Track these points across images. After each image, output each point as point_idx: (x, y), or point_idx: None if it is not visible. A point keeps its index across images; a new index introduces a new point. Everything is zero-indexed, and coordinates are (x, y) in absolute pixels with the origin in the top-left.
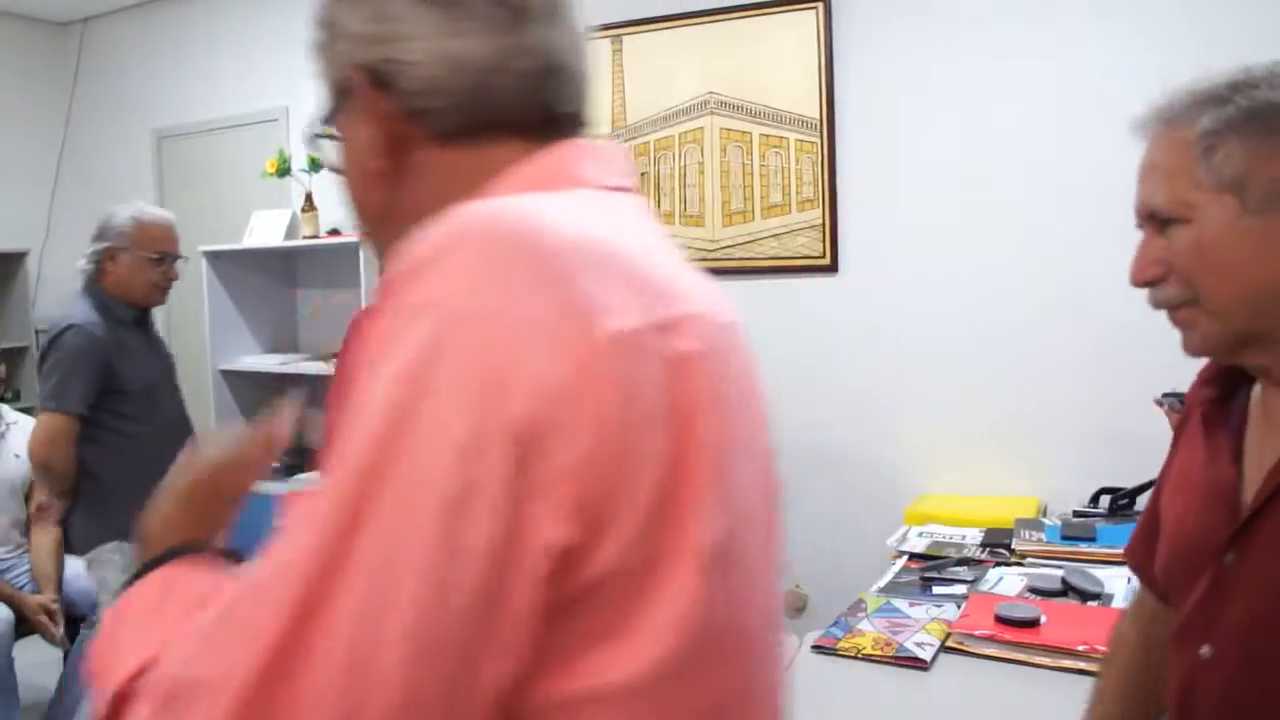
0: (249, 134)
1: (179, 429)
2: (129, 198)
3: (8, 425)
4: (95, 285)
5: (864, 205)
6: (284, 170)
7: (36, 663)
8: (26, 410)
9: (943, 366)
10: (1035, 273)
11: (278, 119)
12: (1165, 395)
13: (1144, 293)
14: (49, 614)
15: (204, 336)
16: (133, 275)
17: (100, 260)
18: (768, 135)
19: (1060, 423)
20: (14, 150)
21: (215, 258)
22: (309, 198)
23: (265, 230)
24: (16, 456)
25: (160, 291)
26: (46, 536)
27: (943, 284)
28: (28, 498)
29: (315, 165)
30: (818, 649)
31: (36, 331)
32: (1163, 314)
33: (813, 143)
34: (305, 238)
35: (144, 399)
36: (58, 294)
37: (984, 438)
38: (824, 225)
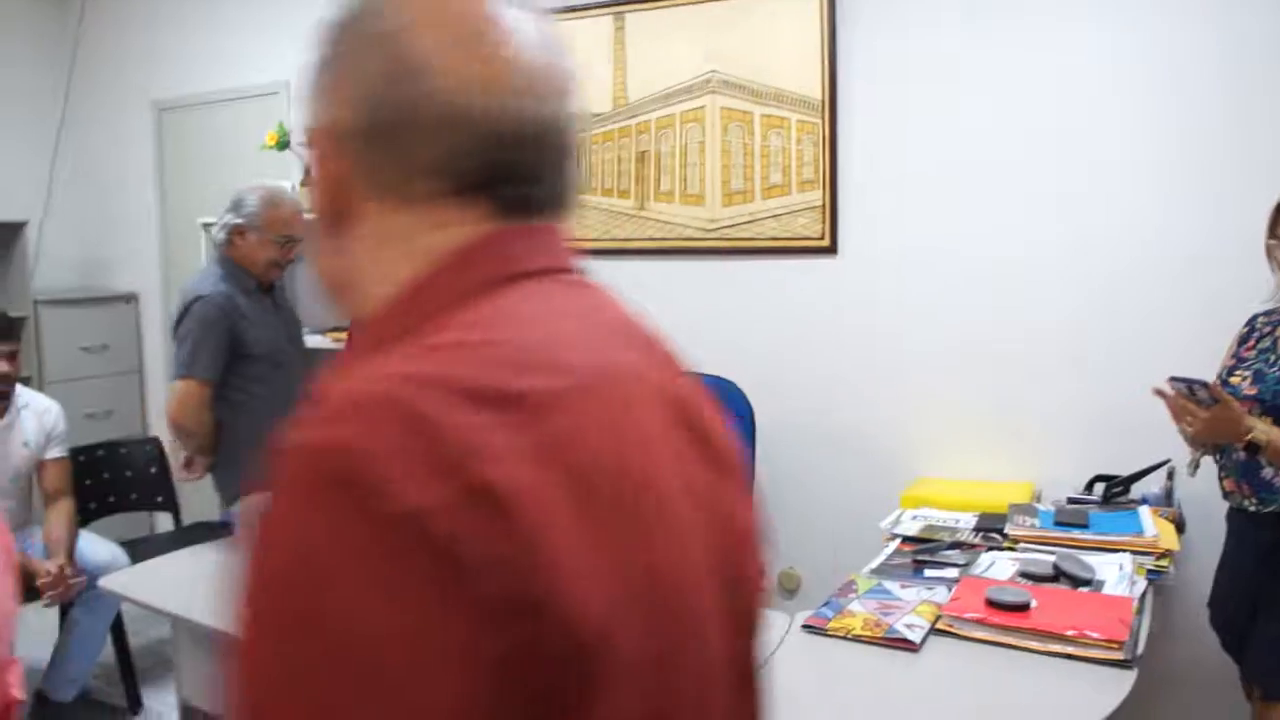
0: (249, 107)
1: (292, 393)
2: (129, 169)
3: (19, 410)
4: (224, 255)
5: (864, 187)
6: (284, 143)
7: (31, 631)
8: (24, 380)
9: (941, 350)
10: (1034, 258)
11: (278, 92)
12: (1176, 379)
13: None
14: (56, 576)
15: None
16: (257, 252)
17: (230, 233)
18: (769, 115)
19: (1057, 410)
20: (14, 121)
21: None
22: (308, 171)
23: None
24: (25, 445)
25: (279, 269)
26: (60, 511)
27: (942, 267)
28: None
29: None
30: (808, 628)
31: (35, 302)
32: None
33: (814, 123)
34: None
35: (268, 363)
36: (57, 264)
37: (981, 423)
38: (824, 206)
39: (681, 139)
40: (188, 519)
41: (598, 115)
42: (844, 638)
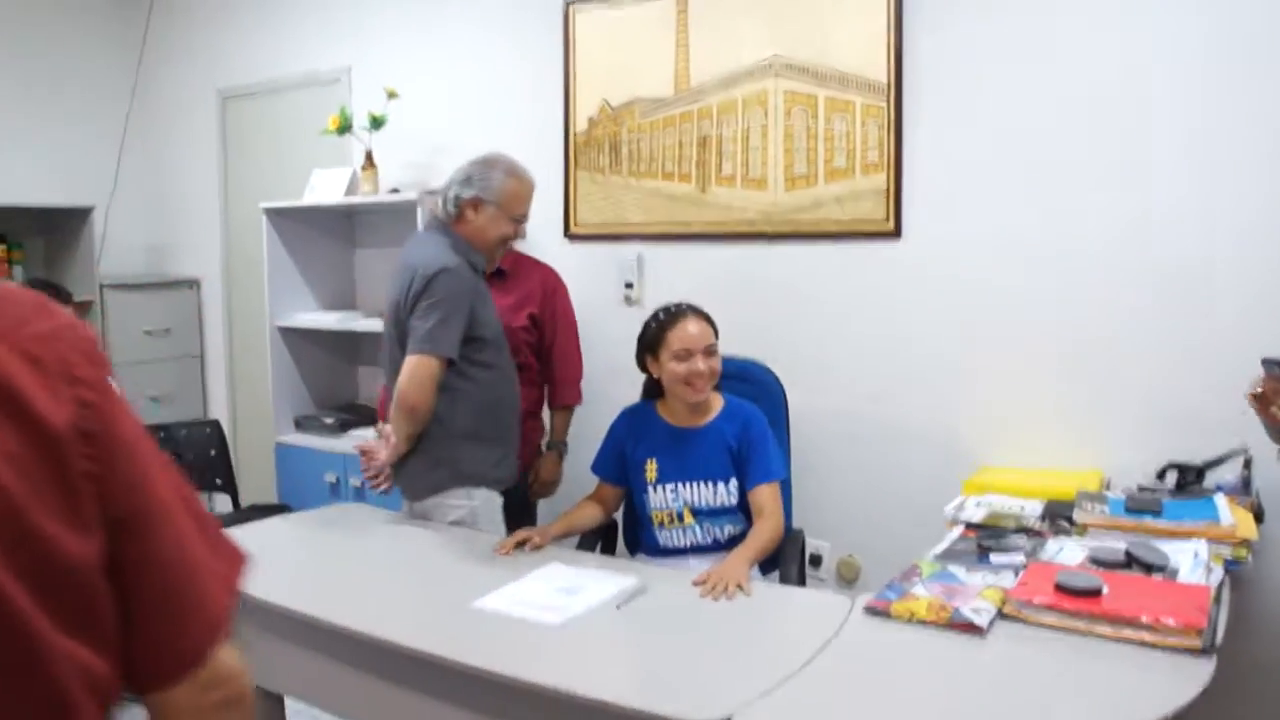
0: (311, 93)
1: (513, 375)
2: (193, 156)
3: None
4: (448, 229)
5: (930, 171)
6: (345, 128)
7: None
8: None
9: (1007, 336)
10: (1106, 244)
11: (340, 79)
12: (1269, 360)
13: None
14: None
15: (263, 293)
16: (489, 229)
17: (461, 206)
18: (833, 98)
19: (1127, 397)
20: (83, 108)
21: (276, 215)
22: (369, 156)
23: (325, 188)
24: None
25: (504, 249)
26: None
27: (1008, 252)
28: None
29: (377, 123)
30: (870, 610)
31: (101, 286)
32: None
33: (879, 107)
34: (365, 195)
35: (495, 346)
36: (123, 250)
37: (1047, 411)
38: (888, 191)
39: (744, 123)
40: (246, 501)
41: (659, 100)
42: (908, 621)
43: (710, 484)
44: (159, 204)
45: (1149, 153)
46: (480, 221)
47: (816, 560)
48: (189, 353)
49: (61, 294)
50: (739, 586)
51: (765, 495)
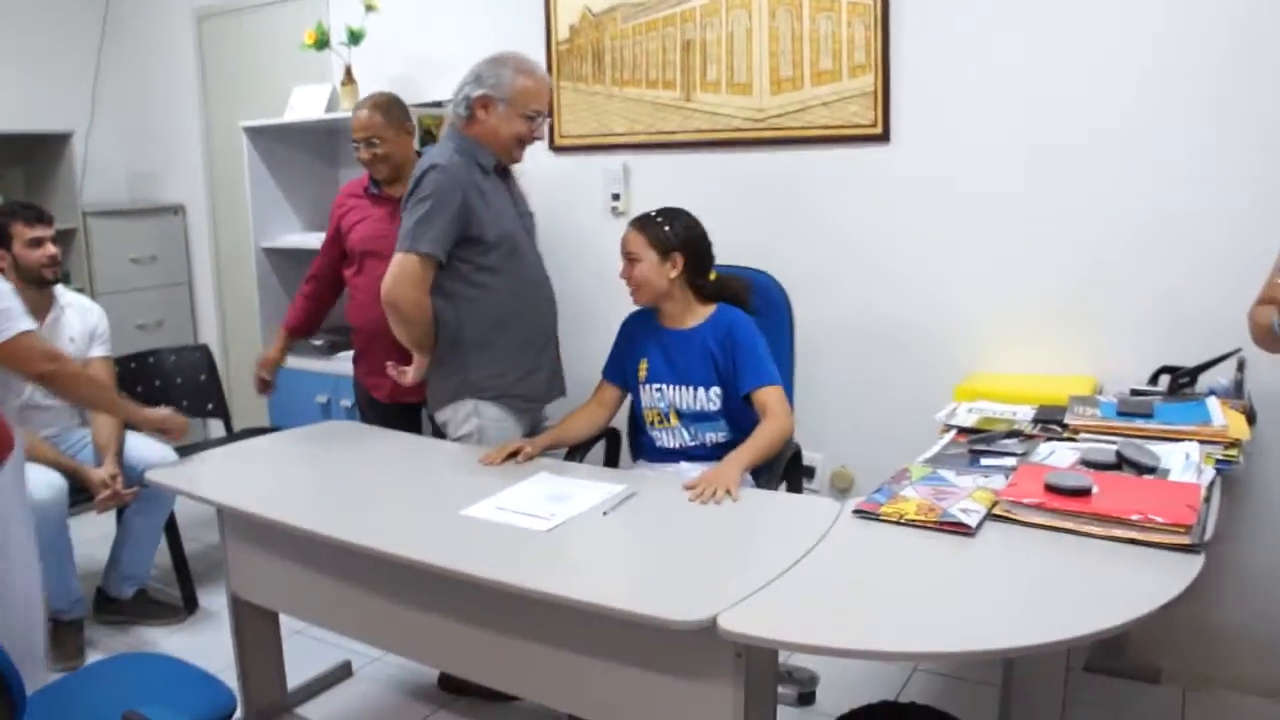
0: (289, 9)
1: (537, 286)
2: (171, 78)
3: (62, 308)
4: (459, 131)
5: (919, 71)
6: (323, 42)
7: (89, 538)
8: (76, 290)
9: (998, 241)
10: (1098, 145)
11: None
12: None
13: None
14: (110, 487)
15: (246, 214)
16: (502, 127)
17: (472, 106)
18: None
19: (1120, 301)
20: (57, 32)
21: (257, 134)
22: (348, 71)
23: (305, 106)
24: (71, 340)
25: (522, 147)
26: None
27: (1000, 155)
28: None
29: (355, 38)
30: (859, 513)
31: (84, 214)
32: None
33: (866, 5)
34: (345, 111)
35: (500, 251)
36: (105, 176)
37: (1040, 316)
38: (876, 93)
39: (728, 26)
40: (239, 425)
41: (641, 4)
42: (897, 522)
43: (691, 389)
44: (139, 129)
45: (1145, 52)
46: (492, 121)
47: (810, 472)
48: (176, 279)
49: (44, 216)
50: (728, 492)
51: (768, 397)
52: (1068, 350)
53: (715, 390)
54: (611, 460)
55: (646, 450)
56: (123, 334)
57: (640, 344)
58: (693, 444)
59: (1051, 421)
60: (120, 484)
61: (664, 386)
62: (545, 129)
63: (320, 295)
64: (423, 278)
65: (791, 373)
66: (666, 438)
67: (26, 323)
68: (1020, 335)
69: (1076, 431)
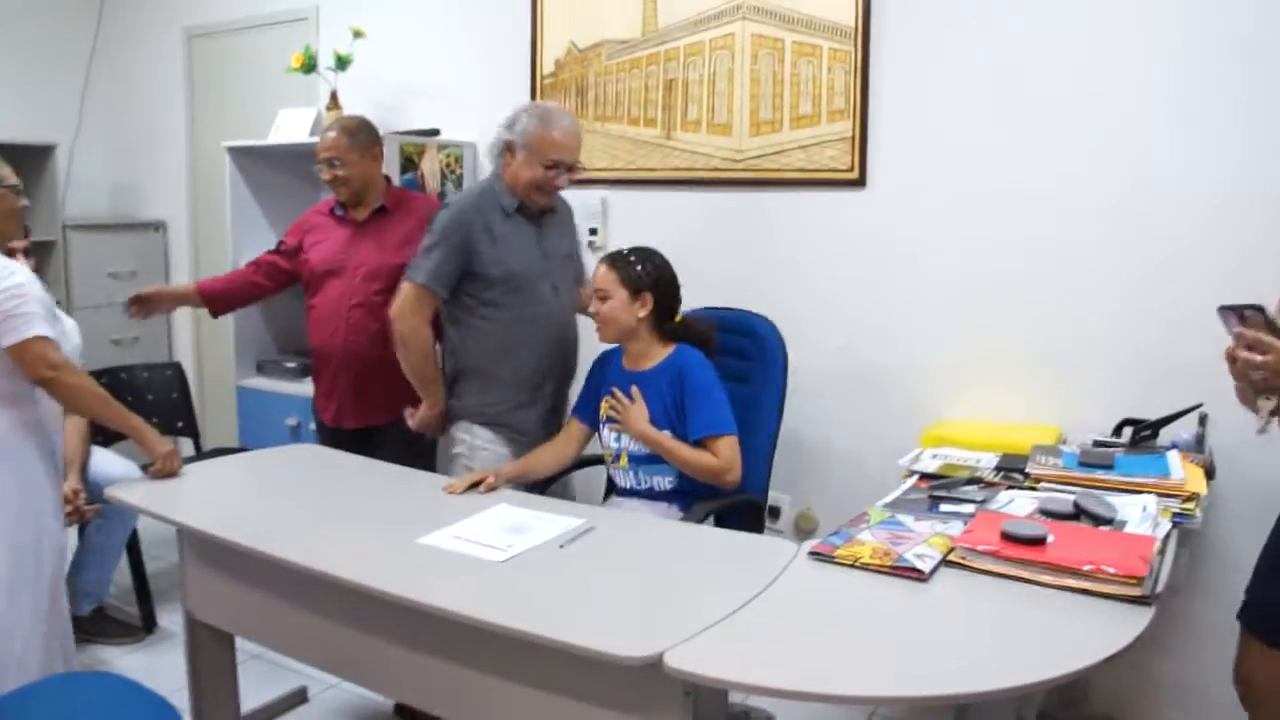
0: (279, 32)
1: (542, 323)
2: (159, 95)
3: None
4: (496, 172)
5: (896, 119)
6: (310, 66)
7: None
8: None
9: (969, 289)
10: (1068, 195)
11: (307, 17)
12: (1225, 308)
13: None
14: (72, 503)
15: (226, 234)
16: (521, 172)
17: (501, 150)
18: (800, 43)
19: (1087, 352)
20: (46, 45)
21: (240, 155)
22: (334, 96)
23: (290, 128)
24: None
25: (541, 194)
26: (75, 425)
27: (972, 204)
28: None
29: (342, 63)
30: (814, 555)
31: (64, 227)
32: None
33: (846, 51)
34: None
35: (506, 287)
36: (87, 190)
37: (1008, 364)
38: (854, 138)
39: (710, 67)
40: (208, 445)
41: (625, 42)
42: (851, 565)
43: None
44: (124, 143)
45: (1115, 104)
46: (514, 166)
47: (775, 512)
48: None
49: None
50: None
51: (718, 446)
52: (1035, 398)
53: (667, 434)
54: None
55: (614, 487)
56: (98, 349)
57: (604, 383)
58: (640, 487)
59: (1013, 470)
60: (83, 500)
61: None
62: (567, 179)
63: (248, 279)
64: (419, 306)
65: (779, 422)
66: (620, 477)
67: (44, 328)
68: (988, 382)
69: (1038, 480)
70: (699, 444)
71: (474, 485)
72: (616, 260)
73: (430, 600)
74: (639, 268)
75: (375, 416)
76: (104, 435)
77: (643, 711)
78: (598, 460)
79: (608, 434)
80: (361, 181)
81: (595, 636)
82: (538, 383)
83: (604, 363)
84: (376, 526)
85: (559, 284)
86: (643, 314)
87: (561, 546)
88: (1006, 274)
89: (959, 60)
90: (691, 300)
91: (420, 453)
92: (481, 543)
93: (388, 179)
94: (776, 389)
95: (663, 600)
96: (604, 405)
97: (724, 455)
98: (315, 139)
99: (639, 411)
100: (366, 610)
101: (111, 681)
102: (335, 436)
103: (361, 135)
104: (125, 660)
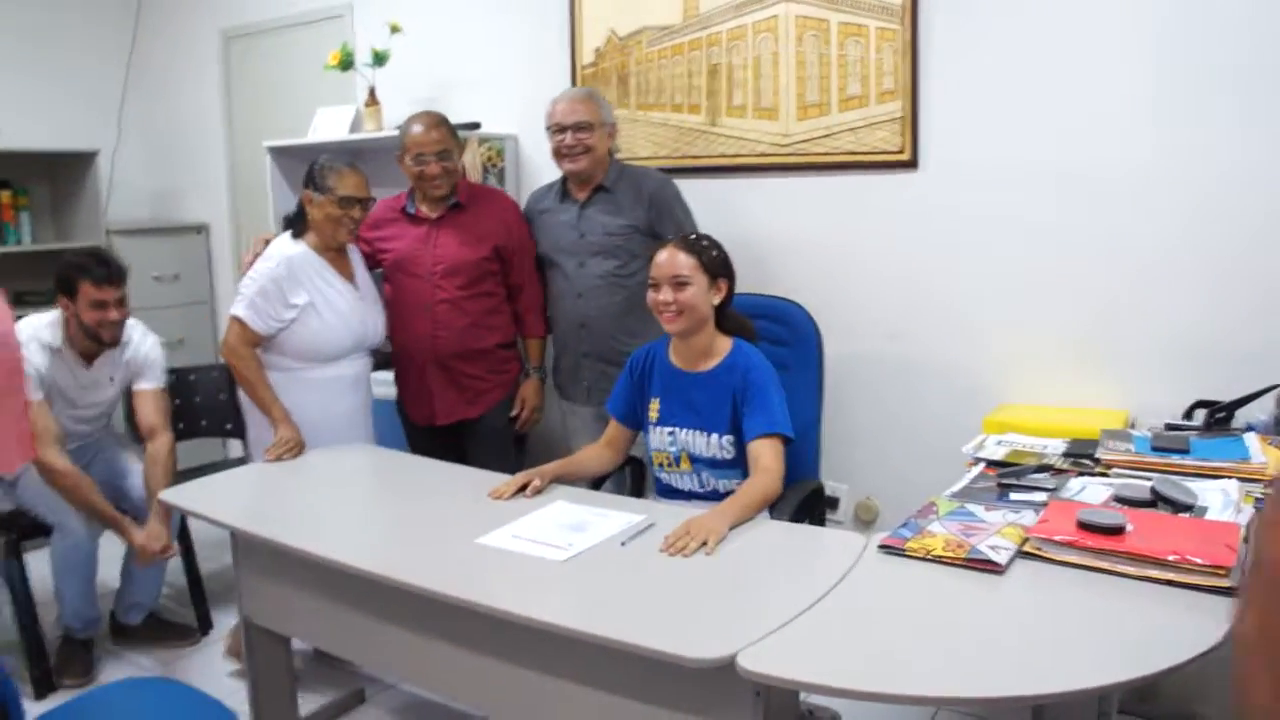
0: (315, 30)
1: (563, 298)
2: (197, 98)
3: (122, 344)
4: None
5: (948, 97)
6: (347, 64)
7: (111, 555)
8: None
9: (1028, 269)
10: (1131, 172)
11: (343, 15)
12: None
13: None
14: (151, 552)
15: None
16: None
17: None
18: (847, 23)
19: (1154, 333)
20: (86, 51)
21: (280, 154)
22: (372, 92)
23: (328, 126)
24: (110, 380)
25: (564, 160)
26: (158, 450)
27: (1031, 182)
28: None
29: (380, 59)
30: (884, 549)
31: (108, 232)
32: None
33: (894, 30)
34: (368, 133)
35: (545, 262)
36: (129, 195)
37: (1070, 346)
38: (904, 119)
39: (754, 50)
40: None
41: (666, 28)
42: (923, 559)
43: (705, 434)
44: (164, 147)
45: (1179, 77)
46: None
47: (834, 503)
48: (198, 299)
49: (113, 277)
50: (704, 544)
51: (762, 449)
52: (1099, 382)
53: (729, 438)
54: (636, 490)
55: (656, 486)
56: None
57: (652, 383)
58: (703, 490)
59: (1083, 455)
60: (169, 553)
61: (676, 430)
62: (574, 137)
63: None
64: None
65: (820, 402)
66: (676, 480)
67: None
68: (1050, 366)
69: (1109, 466)
70: (748, 445)
71: (521, 489)
72: (693, 245)
73: (492, 602)
74: (714, 253)
75: (467, 410)
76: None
77: (712, 713)
78: (635, 460)
79: (663, 436)
80: (459, 174)
81: (665, 638)
82: (562, 348)
83: (647, 361)
84: (433, 526)
85: (587, 261)
86: (716, 302)
87: (623, 544)
88: (1066, 254)
89: (1014, 34)
90: (740, 290)
91: (512, 444)
92: (541, 541)
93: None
94: (814, 375)
95: (731, 598)
96: (653, 405)
97: (771, 462)
98: (355, 136)
99: (711, 523)
100: (424, 612)
101: (170, 687)
102: (428, 435)
103: (454, 128)
104: (182, 663)
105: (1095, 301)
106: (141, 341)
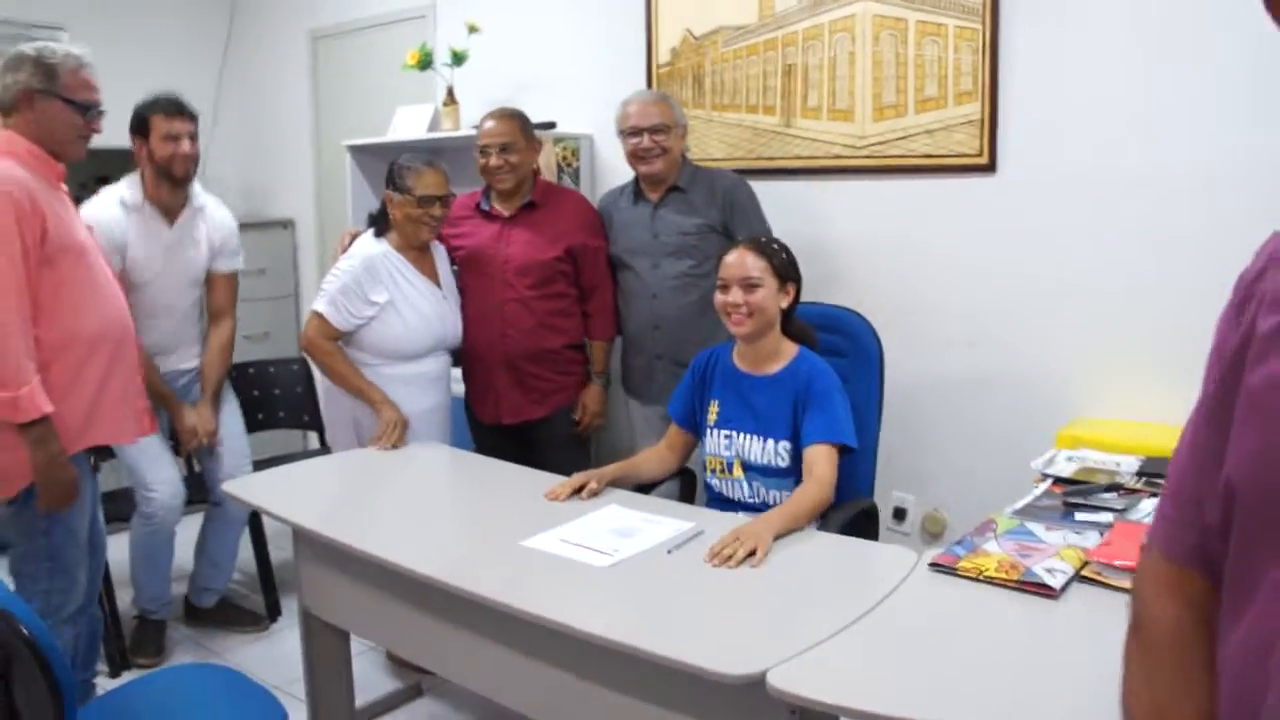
0: (398, 30)
1: (635, 297)
2: (286, 96)
3: (197, 209)
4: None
5: (1027, 100)
6: (425, 63)
7: (187, 539)
8: None
9: (1109, 278)
10: (1218, 178)
11: (425, 15)
12: None
13: None
14: (196, 439)
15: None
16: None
17: None
18: (925, 22)
19: None
20: (180, 51)
21: (359, 153)
22: (450, 92)
23: (408, 125)
24: (195, 243)
25: (640, 162)
26: (220, 334)
27: (1111, 187)
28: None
29: (458, 59)
30: (935, 567)
31: None
32: None
33: (974, 29)
34: (446, 131)
35: (621, 265)
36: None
37: (1151, 358)
38: (982, 121)
39: (830, 50)
40: None
41: (742, 28)
42: (975, 579)
43: (761, 439)
44: (255, 144)
45: (1269, 81)
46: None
47: (901, 514)
48: (283, 293)
49: (184, 110)
50: (751, 553)
51: (817, 456)
52: (1180, 397)
53: (785, 445)
54: (687, 498)
55: (709, 494)
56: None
57: (713, 385)
58: (753, 500)
59: (1157, 475)
60: (213, 440)
61: (734, 434)
62: (650, 139)
63: None
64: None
65: (879, 418)
66: (727, 489)
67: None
68: (1130, 379)
69: None
70: (804, 450)
71: (577, 491)
72: (763, 247)
73: (527, 606)
74: (784, 255)
75: (533, 411)
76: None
77: None
78: (685, 470)
79: (719, 439)
80: (526, 170)
81: (696, 651)
82: (636, 347)
83: (710, 364)
84: (485, 527)
85: (661, 262)
86: (785, 306)
87: (669, 552)
88: (1148, 263)
89: (1099, 35)
90: (811, 295)
91: (578, 445)
92: (587, 546)
93: (536, 173)
94: (874, 386)
95: (771, 612)
96: (712, 407)
97: (824, 471)
98: (433, 134)
99: (757, 530)
100: (469, 612)
101: (222, 674)
102: (494, 434)
103: (528, 125)
104: (248, 649)
105: (1178, 312)
106: (217, 209)
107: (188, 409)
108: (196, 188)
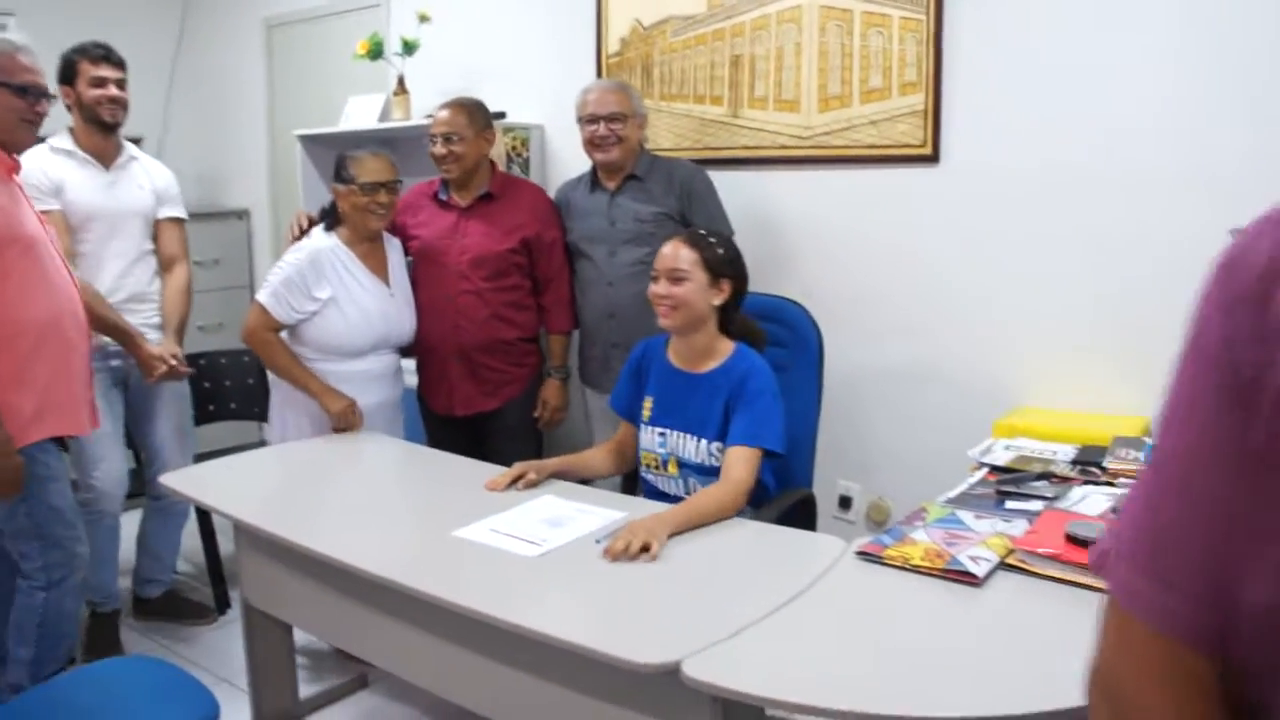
0: (353, 19)
1: (591, 286)
2: (241, 86)
3: (130, 158)
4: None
5: (971, 91)
6: (376, 53)
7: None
8: None
9: (1050, 270)
10: (1158, 170)
11: (379, 4)
12: None
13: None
14: (166, 363)
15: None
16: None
17: None
18: (870, 12)
19: (1178, 338)
20: (133, 39)
21: (311, 142)
22: (400, 81)
23: (359, 115)
24: (140, 188)
25: (596, 150)
26: (176, 279)
27: (1053, 179)
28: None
29: (409, 48)
30: (861, 555)
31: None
32: None
33: (918, 20)
34: (396, 121)
35: (578, 253)
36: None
37: (1092, 350)
38: (926, 112)
39: (777, 41)
40: None
41: (690, 18)
42: (900, 567)
43: (695, 438)
44: (209, 134)
45: (1211, 73)
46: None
47: (846, 502)
48: (238, 283)
49: (111, 56)
50: (645, 549)
51: (736, 458)
52: (1120, 387)
53: (718, 444)
54: (629, 490)
55: (645, 491)
56: (185, 335)
57: (648, 381)
58: (688, 496)
59: (1091, 463)
60: (179, 362)
61: (667, 432)
62: (606, 127)
63: None
64: None
65: (818, 408)
66: (663, 484)
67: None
68: (1070, 369)
69: (1115, 476)
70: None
71: (515, 481)
72: (698, 240)
73: (454, 598)
74: (720, 250)
75: (486, 403)
76: None
77: (671, 717)
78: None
79: (653, 436)
80: (474, 161)
81: (614, 641)
82: (592, 337)
83: (646, 356)
84: (417, 517)
85: (617, 250)
86: (717, 302)
87: (598, 542)
88: (1090, 255)
89: (1041, 28)
90: (756, 285)
91: (530, 436)
92: (517, 536)
93: (493, 165)
94: (813, 376)
95: (693, 601)
96: (647, 403)
97: (739, 473)
98: (384, 124)
99: (650, 526)
100: (403, 604)
101: (154, 667)
102: (446, 425)
103: (479, 115)
104: (196, 641)
105: (1118, 304)
106: (161, 171)
107: (146, 341)
108: (129, 146)
